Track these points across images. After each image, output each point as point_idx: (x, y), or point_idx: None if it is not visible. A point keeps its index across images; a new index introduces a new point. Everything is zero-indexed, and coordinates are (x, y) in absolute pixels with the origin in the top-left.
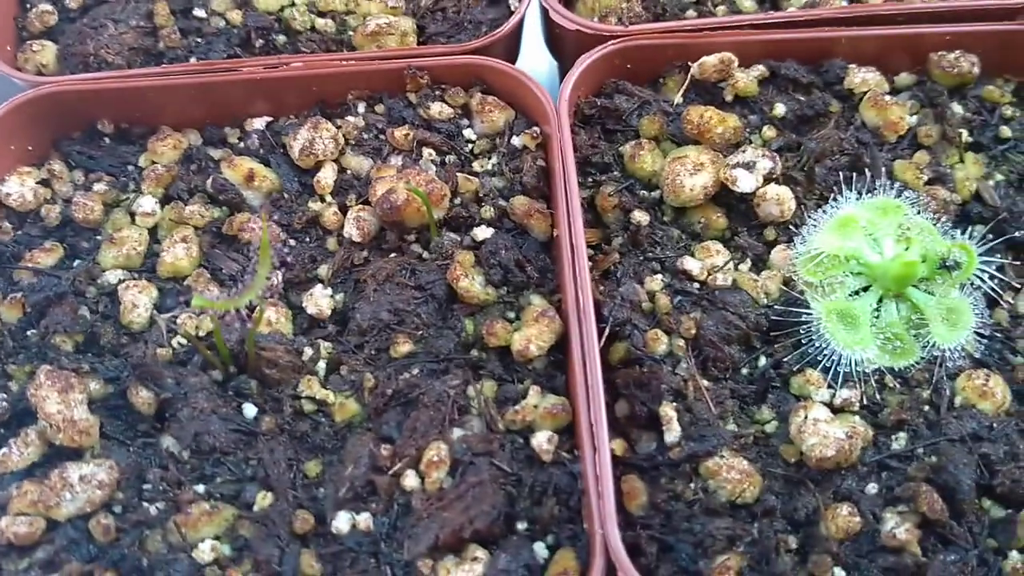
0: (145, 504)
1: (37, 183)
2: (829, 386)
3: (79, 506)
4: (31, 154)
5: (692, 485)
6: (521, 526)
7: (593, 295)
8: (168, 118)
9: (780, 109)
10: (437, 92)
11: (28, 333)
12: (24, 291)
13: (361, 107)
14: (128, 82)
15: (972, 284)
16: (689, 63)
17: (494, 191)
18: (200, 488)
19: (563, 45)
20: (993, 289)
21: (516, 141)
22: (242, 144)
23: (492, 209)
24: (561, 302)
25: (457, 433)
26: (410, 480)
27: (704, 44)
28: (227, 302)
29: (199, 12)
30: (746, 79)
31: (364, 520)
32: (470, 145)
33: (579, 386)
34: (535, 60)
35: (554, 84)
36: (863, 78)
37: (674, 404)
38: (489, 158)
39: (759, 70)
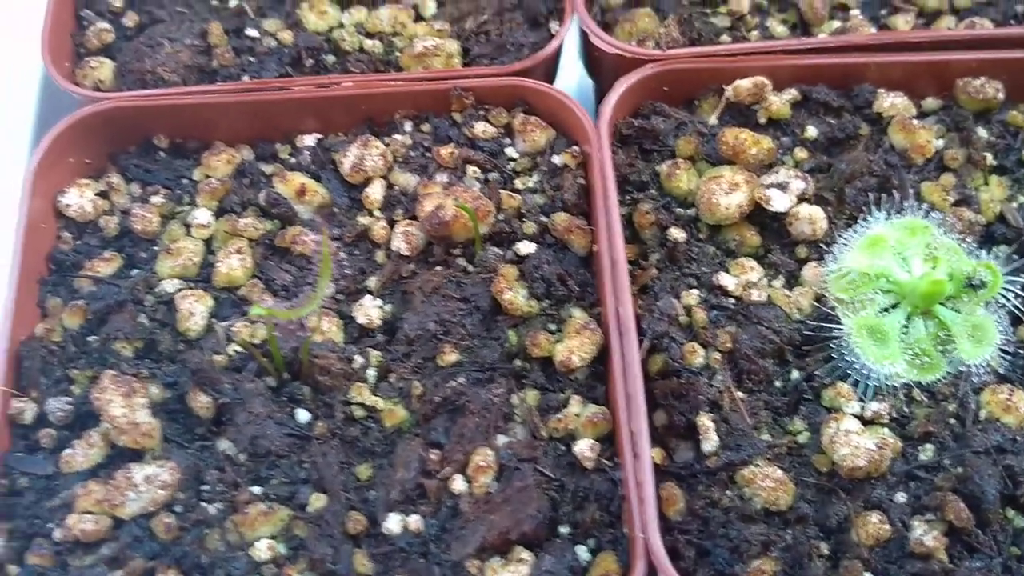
0: (204, 504)
1: (95, 195)
2: (859, 399)
3: (142, 505)
4: (89, 167)
5: (728, 492)
6: (564, 530)
7: (632, 309)
8: (221, 133)
9: (812, 131)
10: (481, 112)
11: (89, 339)
12: (85, 299)
13: (408, 126)
14: (183, 99)
15: (997, 302)
16: (724, 86)
17: (536, 208)
18: (256, 489)
19: (601, 67)
20: (1017, 307)
21: (557, 160)
22: (293, 160)
23: (534, 225)
24: (601, 315)
25: (502, 440)
26: (458, 484)
27: (739, 68)
28: (287, 312)
29: (251, 32)
30: (779, 102)
31: (414, 522)
32: (512, 163)
33: (619, 396)
34: (568, 79)
35: (587, 102)
36: (891, 102)
37: (711, 415)
38: (531, 176)
39: (791, 94)
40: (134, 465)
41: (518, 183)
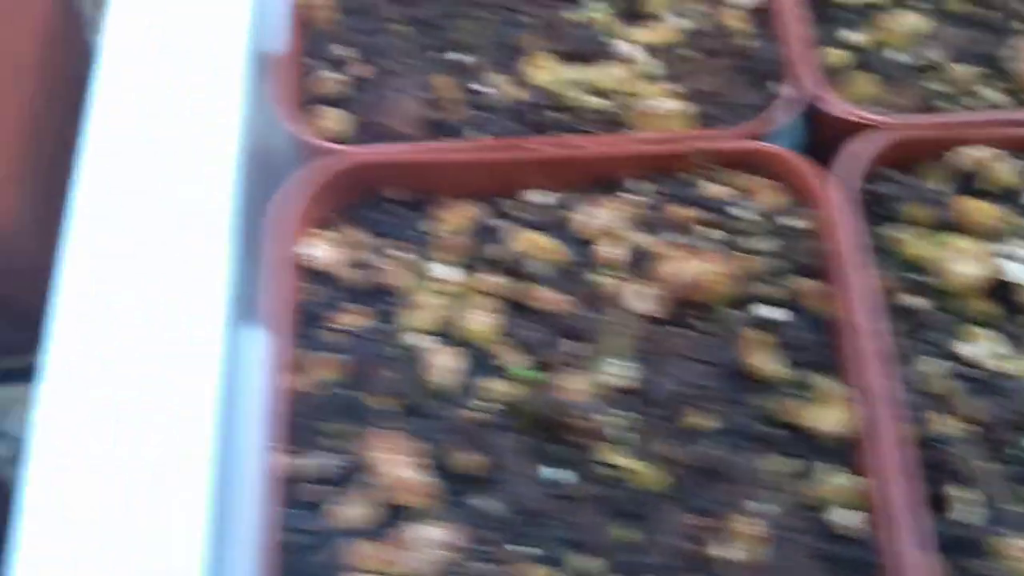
0: (478, 564)
1: (336, 246)
2: None
3: (418, 565)
4: (327, 218)
5: (980, 563)
6: None
7: (879, 377)
8: (451, 187)
9: None
10: (712, 172)
11: (345, 393)
12: (336, 351)
13: (639, 184)
14: (422, 155)
15: None
16: (952, 153)
17: (771, 270)
18: (521, 548)
19: (823, 129)
20: None
21: (789, 222)
22: (523, 216)
23: (770, 288)
24: (847, 382)
25: (756, 506)
26: (719, 550)
27: (967, 136)
28: (537, 374)
29: (479, 87)
30: (1008, 170)
31: None
32: (743, 224)
33: (873, 465)
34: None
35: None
36: None
37: (963, 486)
38: (762, 238)
39: (1020, 162)
40: (408, 523)
41: (750, 244)
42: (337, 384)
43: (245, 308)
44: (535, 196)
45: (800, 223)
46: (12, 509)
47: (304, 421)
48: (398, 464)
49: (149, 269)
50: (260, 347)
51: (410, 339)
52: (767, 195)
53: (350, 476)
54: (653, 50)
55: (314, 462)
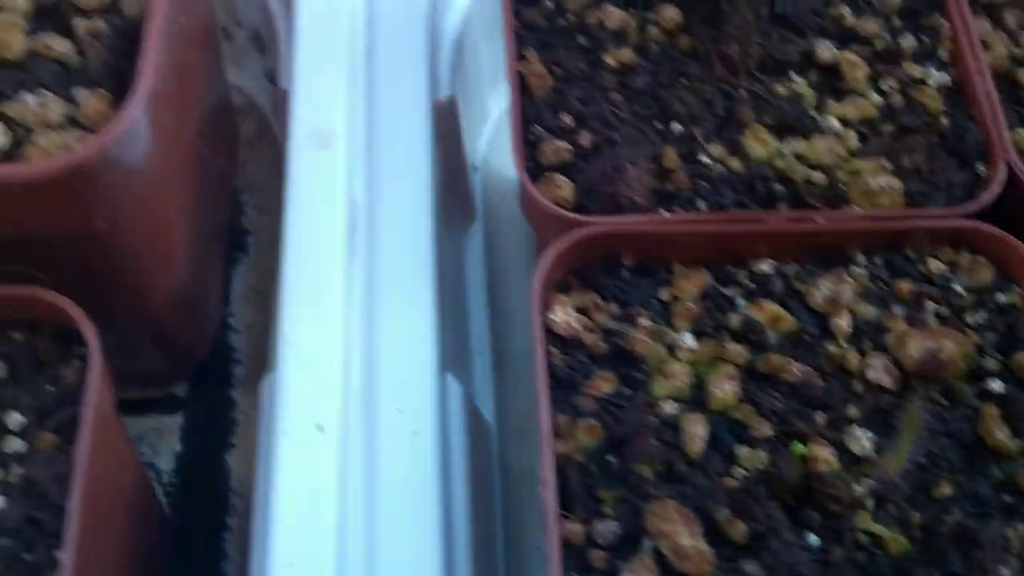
0: None
1: (579, 312)
2: None
3: None
4: (563, 284)
5: None
6: None
7: None
8: (685, 256)
9: None
10: (931, 248)
11: (608, 458)
12: (593, 417)
13: (861, 258)
14: (664, 227)
15: None
16: None
17: (994, 345)
18: None
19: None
20: None
21: (1004, 298)
22: (752, 285)
23: (996, 362)
24: None
25: (1007, 572)
26: None
27: None
28: (803, 447)
29: (702, 158)
30: None
31: None
32: (965, 300)
33: None
34: None
35: None
36: None
37: None
38: (977, 313)
39: None
40: None
41: (972, 319)
42: (599, 450)
43: (450, 359)
44: (764, 266)
45: (1015, 299)
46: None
47: (577, 487)
48: (676, 531)
49: (361, 324)
50: (458, 397)
51: (663, 406)
52: (981, 271)
53: (630, 542)
54: (856, 125)
55: (596, 528)
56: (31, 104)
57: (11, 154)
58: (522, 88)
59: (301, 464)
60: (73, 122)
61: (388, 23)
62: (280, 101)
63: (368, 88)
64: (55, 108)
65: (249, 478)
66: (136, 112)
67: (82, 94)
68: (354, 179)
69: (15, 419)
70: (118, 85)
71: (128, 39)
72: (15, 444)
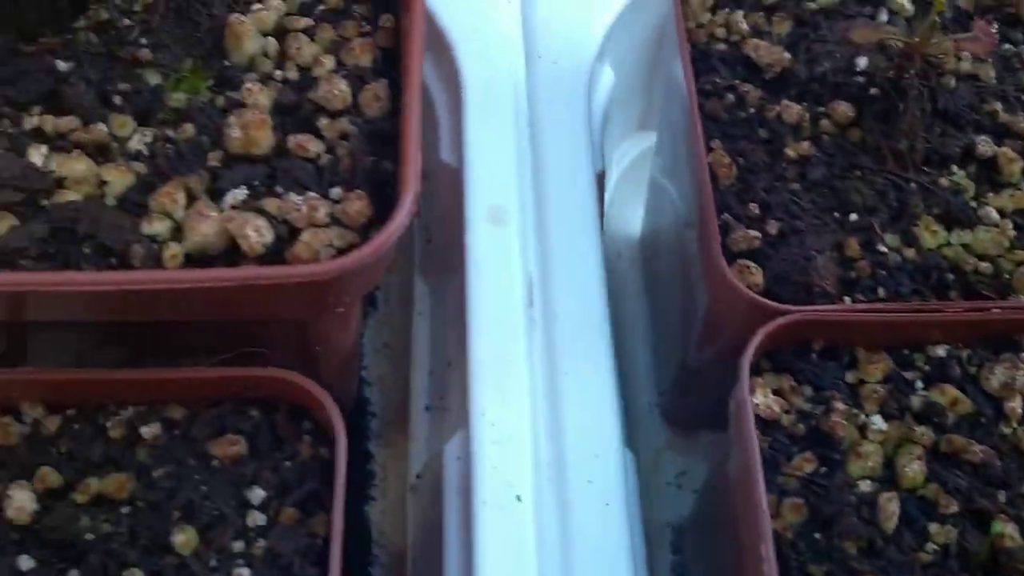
0: None
1: (777, 396)
2: None
3: None
4: (756, 367)
5: None
6: None
7: None
8: (866, 340)
9: None
10: None
11: (815, 535)
12: (797, 495)
13: None
14: (848, 314)
15: None
16: None
17: None
18: None
19: None
20: None
21: None
22: (929, 369)
23: None
24: None
25: None
26: None
27: None
28: (1003, 527)
29: (880, 247)
30: None
31: None
32: None
33: None
34: None
35: None
36: None
37: None
38: None
39: None
40: None
41: None
42: (805, 527)
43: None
44: (939, 350)
45: None
46: None
47: (793, 564)
48: None
49: (545, 397)
50: (632, 466)
51: (860, 485)
52: None
53: None
54: (1015, 216)
55: None
56: (295, 202)
57: (278, 250)
58: (713, 179)
59: (503, 533)
60: (336, 221)
61: (548, 97)
62: (439, 174)
63: (535, 162)
64: (322, 208)
65: (393, 531)
66: (405, 218)
67: (337, 193)
68: (527, 253)
69: (257, 494)
70: (367, 183)
71: (369, 139)
72: (258, 518)
